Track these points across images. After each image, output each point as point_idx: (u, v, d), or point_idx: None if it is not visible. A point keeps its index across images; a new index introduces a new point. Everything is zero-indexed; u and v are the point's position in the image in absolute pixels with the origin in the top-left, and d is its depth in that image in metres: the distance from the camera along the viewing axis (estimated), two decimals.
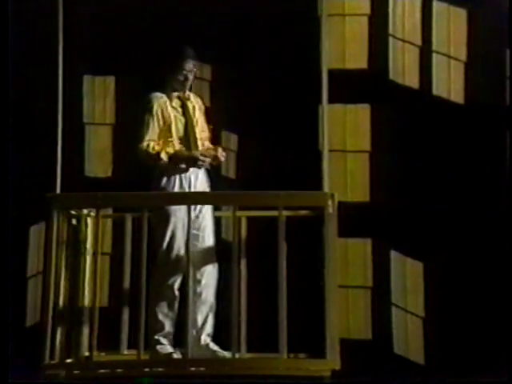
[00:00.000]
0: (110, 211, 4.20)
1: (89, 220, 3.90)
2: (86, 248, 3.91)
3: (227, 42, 4.79)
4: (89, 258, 3.90)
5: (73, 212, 3.78)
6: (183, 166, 3.80)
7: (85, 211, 3.89)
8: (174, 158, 3.79)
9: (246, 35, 4.79)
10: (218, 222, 4.09)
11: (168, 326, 3.68)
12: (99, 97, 4.93)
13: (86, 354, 3.72)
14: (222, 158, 3.93)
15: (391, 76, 4.81)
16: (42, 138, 4.16)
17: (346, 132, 4.79)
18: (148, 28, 4.78)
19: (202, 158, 3.80)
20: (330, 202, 3.57)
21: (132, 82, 4.73)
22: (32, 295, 4.65)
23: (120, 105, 4.91)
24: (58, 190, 3.69)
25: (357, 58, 4.82)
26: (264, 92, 4.75)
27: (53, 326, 3.51)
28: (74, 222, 3.86)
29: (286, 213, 3.60)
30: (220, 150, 3.90)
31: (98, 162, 4.89)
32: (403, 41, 4.85)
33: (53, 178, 3.68)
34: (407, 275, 4.67)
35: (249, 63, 4.76)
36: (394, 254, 4.71)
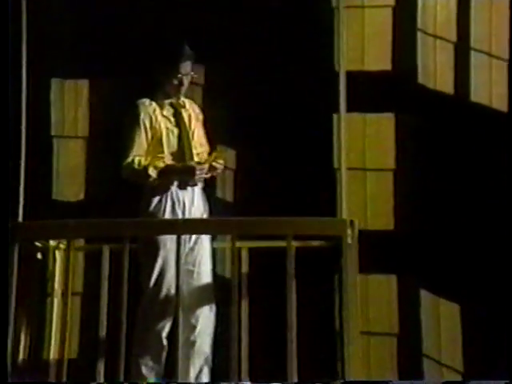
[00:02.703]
0: (83, 242, 4.26)
1: (57, 253, 3.99)
2: (53, 288, 3.99)
3: (223, 37, 4.83)
4: (56, 300, 3.97)
5: (38, 244, 3.88)
6: (176, 182, 3.85)
7: (52, 243, 3.97)
8: (165, 173, 3.84)
9: (246, 30, 4.84)
10: (216, 254, 4.15)
11: None
12: (70, 104, 5.01)
13: None
14: (220, 167, 3.96)
15: (420, 79, 4.89)
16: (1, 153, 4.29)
17: (365, 146, 4.86)
18: (132, 20, 4.86)
19: (199, 168, 3.84)
20: (349, 231, 3.62)
21: (110, 87, 4.82)
22: None
23: (95, 114, 4.99)
24: (21, 218, 3.78)
25: (379, 58, 4.90)
26: (268, 98, 4.82)
27: None
28: (39, 256, 3.98)
29: (295, 243, 3.64)
30: (214, 155, 3.91)
31: (69, 182, 4.95)
32: (435, 37, 4.92)
33: (14, 202, 3.75)
34: (441, 320, 4.72)
35: (249, 64, 4.83)
36: (424, 294, 4.76)
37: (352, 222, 3.71)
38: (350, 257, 3.62)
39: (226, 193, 4.94)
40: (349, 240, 3.65)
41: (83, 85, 5.04)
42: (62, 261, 3.98)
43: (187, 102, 4.04)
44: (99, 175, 4.81)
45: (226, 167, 4.77)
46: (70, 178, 4.98)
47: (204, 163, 3.90)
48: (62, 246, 4.04)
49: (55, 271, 3.99)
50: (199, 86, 4.98)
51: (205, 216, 3.99)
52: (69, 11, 4.95)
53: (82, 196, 4.96)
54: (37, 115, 4.40)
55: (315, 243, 4.01)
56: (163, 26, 4.77)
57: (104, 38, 4.90)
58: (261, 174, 4.82)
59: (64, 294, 3.72)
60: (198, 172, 3.86)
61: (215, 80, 4.94)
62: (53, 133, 5.05)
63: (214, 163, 3.93)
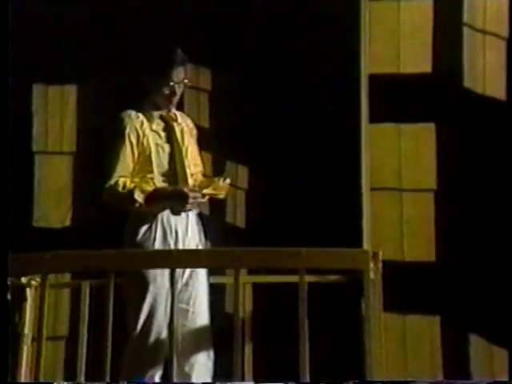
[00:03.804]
0: (68, 277, 4.37)
1: (28, 292, 4.03)
2: (23, 332, 4.02)
3: (232, 38, 4.89)
4: (26, 348, 4.00)
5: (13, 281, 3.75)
6: (165, 209, 3.83)
7: (24, 280, 3.98)
8: (153, 198, 3.81)
9: (258, 29, 4.89)
10: (214, 291, 4.09)
11: None
12: (54, 114, 5.06)
13: None
14: (223, 194, 3.97)
15: (466, 83, 4.87)
16: None
17: (400, 162, 4.84)
18: (121, 21, 4.92)
19: (192, 194, 3.81)
20: (371, 264, 3.59)
21: (100, 95, 4.85)
22: None
23: (84, 125, 5.04)
24: None
25: (417, 59, 4.86)
26: (283, 107, 4.85)
27: None
28: (8, 296, 3.96)
29: (309, 278, 3.60)
30: (221, 180, 3.91)
31: (53, 206, 4.97)
32: (484, 32, 4.90)
33: None
34: (494, 370, 4.69)
35: (262, 68, 4.88)
36: (473, 339, 4.73)
37: (376, 254, 3.69)
38: (374, 295, 3.64)
39: (236, 217, 4.94)
40: (372, 275, 3.61)
41: (70, 91, 5.08)
42: (34, 300, 4.00)
43: (179, 115, 4.04)
44: (89, 198, 4.72)
45: (235, 187, 4.82)
46: (54, 202, 4.99)
47: (199, 190, 3.87)
48: (34, 282, 4.04)
49: (25, 313, 4.01)
50: (205, 91, 5.02)
51: (200, 247, 3.98)
52: (54, 11, 5.01)
53: (68, 222, 4.99)
54: (17, 127, 4.20)
55: (332, 278, 4.03)
56: (161, 28, 4.80)
57: (94, 41, 4.96)
58: (274, 195, 4.83)
59: (36, 339, 3.70)
60: (190, 199, 3.83)
61: (224, 86, 4.97)
62: (34, 148, 5.07)
63: (218, 187, 3.90)
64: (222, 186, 3.95)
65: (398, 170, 4.85)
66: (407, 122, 4.85)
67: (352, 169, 4.67)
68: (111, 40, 4.95)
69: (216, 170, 4.76)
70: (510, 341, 4.30)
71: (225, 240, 4.39)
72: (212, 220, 4.30)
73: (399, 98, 4.72)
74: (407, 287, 4.12)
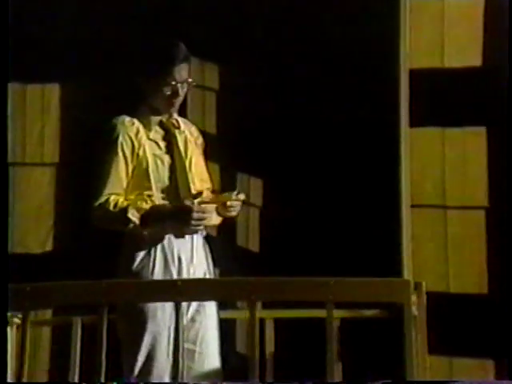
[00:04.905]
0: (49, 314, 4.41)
1: (9, 330, 3.90)
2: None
3: (242, 27, 4.96)
4: None
5: None
6: (166, 231, 3.79)
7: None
8: (150, 218, 3.77)
9: (273, 18, 4.96)
10: (226, 327, 4.07)
11: None
12: (34, 118, 5.10)
13: None
14: (235, 211, 3.91)
15: None
16: None
17: (444, 174, 4.85)
18: (113, 10, 5.00)
19: (197, 209, 3.77)
20: (413, 297, 3.56)
21: (87, 95, 4.90)
22: None
23: (68, 132, 5.07)
24: None
25: (464, 51, 4.91)
26: (305, 109, 4.91)
27: None
28: None
29: (339, 313, 3.71)
30: (233, 194, 3.86)
31: (32, 227, 5.03)
32: None
33: None
34: None
35: (281, 63, 4.92)
36: None
37: (419, 286, 3.66)
38: (416, 333, 3.56)
39: (249, 239, 4.97)
40: (414, 310, 3.60)
41: (52, 91, 5.13)
42: (16, 338, 3.98)
43: (182, 121, 3.99)
44: (74, 218, 4.81)
45: (248, 203, 4.77)
46: (33, 222, 5.03)
47: (207, 202, 3.83)
48: (16, 319, 4.04)
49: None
50: (212, 91, 5.03)
51: (208, 276, 3.93)
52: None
53: (49, 247, 5.02)
54: None
55: (366, 313, 4.03)
56: (160, 17, 4.92)
57: (82, 33, 5.03)
58: (295, 213, 4.84)
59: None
60: (195, 215, 3.78)
61: (233, 84, 5.03)
62: (10, 159, 4.83)
63: (229, 203, 3.85)
64: (233, 203, 3.90)
65: (442, 184, 4.84)
66: (452, 126, 4.82)
67: (389, 182, 4.65)
68: (100, 32, 5.02)
69: (224, 183, 4.72)
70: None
71: (235, 267, 4.37)
72: (220, 243, 4.25)
73: (443, 97, 4.70)
74: (454, 325, 4.08)
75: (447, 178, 4.87)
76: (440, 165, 4.85)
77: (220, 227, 4.35)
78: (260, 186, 5.02)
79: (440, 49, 4.92)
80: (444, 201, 4.85)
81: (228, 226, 4.51)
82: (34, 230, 5.05)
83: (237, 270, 4.41)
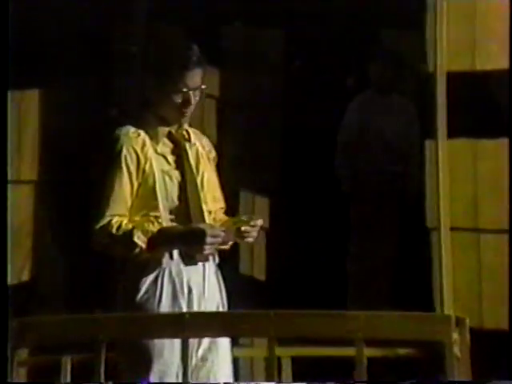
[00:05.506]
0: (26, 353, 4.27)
1: None
2: None
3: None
4: None
5: None
6: (177, 255, 3.81)
7: None
8: (158, 241, 3.79)
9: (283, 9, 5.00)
10: (239, 366, 4.21)
11: None
12: (11, 128, 5.02)
13: None
14: (251, 237, 3.89)
15: None
16: None
17: (477, 193, 4.83)
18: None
19: (212, 233, 3.78)
20: (455, 334, 3.45)
21: (75, 101, 4.95)
22: None
23: (49, 143, 5.07)
24: None
25: (495, 53, 4.81)
26: (319, 118, 4.99)
27: None
28: None
29: (370, 351, 3.55)
30: (249, 217, 3.88)
31: (10, 253, 4.89)
32: None
33: None
34: None
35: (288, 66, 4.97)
36: None
37: (461, 321, 3.62)
38: (459, 375, 3.46)
39: (254, 266, 5.03)
40: (455, 349, 3.48)
41: (32, 96, 5.14)
42: None
43: (192, 133, 3.96)
44: (56, 242, 4.88)
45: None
46: (12, 246, 4.82)
47: (222, 225, 3.85)
48: None
49: None
50: (212, 98, 4.99)
51: (221, 309, 3.95)
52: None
53: (26, 276, 5.00)
54: None
55: (401, 352, 4.01)
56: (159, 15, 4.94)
57: (70, 27, 5.16)
58: (305, 237, 4.90)
59: None
60: (209, 239, 3.79)
61: (237, 92, 5.10)
62: None
63: (241, 228, 3.84)
64: (248, 228, 3.88)
65: (474, 203, 4.78)
66: (486, 137, 4.78)
67: (421, 199, 4.59)
68: (98, 30, 5.11)
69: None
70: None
71: (238, 298, 4.31)
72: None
73: (475, 104, 4.64)
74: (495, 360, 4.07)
75: (479, 197, 4.82)
76: (471, 181, 4.79)
77: (220, 252, 4.33)
78: (266, 206, 5.00)
79: (470, 49, 4.87)
80: (476, 223, 4.80)
81: (230, 251, 4.49)
82: (13, 256, 4.99)
83: (240, 302, 4.34)
